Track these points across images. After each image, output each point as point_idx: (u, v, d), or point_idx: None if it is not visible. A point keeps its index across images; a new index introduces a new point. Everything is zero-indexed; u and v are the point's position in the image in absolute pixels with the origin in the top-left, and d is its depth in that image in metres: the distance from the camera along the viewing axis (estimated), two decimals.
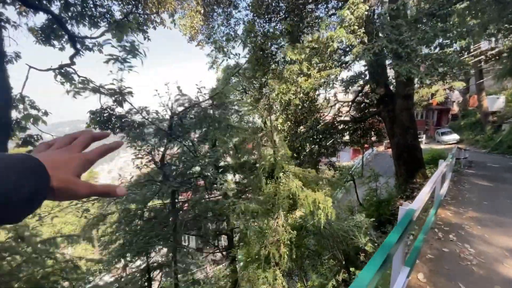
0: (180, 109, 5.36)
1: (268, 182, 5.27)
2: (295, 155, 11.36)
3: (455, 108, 31.61)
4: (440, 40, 8.10)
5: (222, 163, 6.18)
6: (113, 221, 5.10)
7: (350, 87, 11.78)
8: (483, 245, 3.92)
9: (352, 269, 7.96)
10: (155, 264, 6.14)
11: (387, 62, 11.47)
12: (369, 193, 13.70)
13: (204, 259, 6.28)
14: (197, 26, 11.19)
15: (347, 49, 7.97)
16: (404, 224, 2.00)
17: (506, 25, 9.46)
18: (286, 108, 8.81)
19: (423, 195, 2.58)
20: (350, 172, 14.96)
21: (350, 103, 12.69)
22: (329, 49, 6.69)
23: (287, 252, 5.98)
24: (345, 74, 12.96)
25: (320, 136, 13.70)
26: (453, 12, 9.97)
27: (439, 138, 27.68)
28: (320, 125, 12.83)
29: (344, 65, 8.63)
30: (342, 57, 8.29)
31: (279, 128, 9.53)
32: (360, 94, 12.74)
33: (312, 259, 8.91)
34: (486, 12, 10.55)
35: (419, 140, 30.01)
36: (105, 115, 6.20)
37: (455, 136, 26.65)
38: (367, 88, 12.43)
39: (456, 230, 4.40)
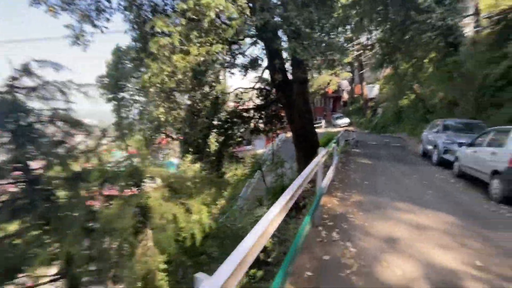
0: None
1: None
2: (190, 150, 9.93)
3: (345, 96, 36.44)
4: (326, 25, 8.02)
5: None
6: None
7: (247, 73, 11.05)
8: (364, 240, 3.51)
9: (252, 271, 7.27)
10: None
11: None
12: (276, 180, 13.71)
13: None
14: None
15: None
16: None
17: (375, 16, 10.39)
18: (169, 95, 7.20)
19: (248, 244, 1.13)
20: (258, 160, 14.66)
21: (252, 90, 12.06)
22: (206, 20, 5.44)
23: (166, 279, 4.61)
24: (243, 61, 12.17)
25: (225, 126, 12.69)
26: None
27: (334, 122, 31.32)
28: (222, 114, 11.76)
29: (234, 45, 7.59)
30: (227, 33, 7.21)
31: (162, 120, 7.86)
32: (261, 81, 12.26)
33: (213, 266, 7.89)
34: (362, 6, 11.49)
35: (320, 124, 33.11)
36: None
37: (346, 120, 30.64)
38: (267, 74, 12.00)
39: (340, 224, 3.95)
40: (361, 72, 28.76)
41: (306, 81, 11.11)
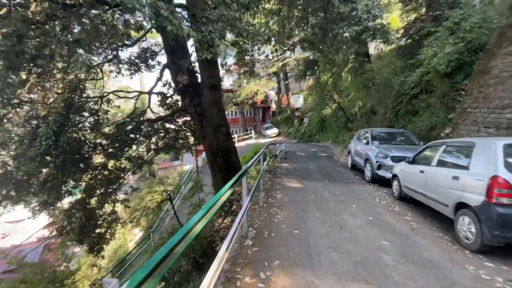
0: None
1: None
2: (22, 190, 5.87)
3: (274, 106, 36.02)
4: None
5: None
6: None
7: (137, 71, 7.76)
8: None
9: None
10: None
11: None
12: (192, 211, 10.54)
13: None
14: None
15: None
16: None
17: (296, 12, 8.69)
18: None
19: None
20: (166, 189, 11.18)
21: (148, 96, 8.70)
22: None
23: None
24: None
25: (117, 145, 8.93)
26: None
27: (264, 132, 30.05)
28: (103, 127, 8.04)
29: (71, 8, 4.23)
30: None
31: None
32: (163, 84, 9.07)
33: None
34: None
35: (250, 135, 31.24)
36: None
37: (275, 130, 29.70)
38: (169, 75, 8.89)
39: None
40: (287, 82, 28.40)
41: (219, 86, 8.49)
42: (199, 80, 8.70)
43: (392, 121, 12.47)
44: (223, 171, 8.73)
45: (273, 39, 14.73)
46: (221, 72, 10.10)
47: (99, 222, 7.70)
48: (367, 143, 8.74)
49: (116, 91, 8.34)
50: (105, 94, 7.50)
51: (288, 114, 30.42)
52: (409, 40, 14.41)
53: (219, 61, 10.31)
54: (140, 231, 22.09)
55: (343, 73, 16.47)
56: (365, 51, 13.10)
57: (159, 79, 8.70)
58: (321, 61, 13.36)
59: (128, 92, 8.67)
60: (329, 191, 6.91)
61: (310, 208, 5.46)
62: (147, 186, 24.62)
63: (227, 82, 36.58)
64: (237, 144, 28.87)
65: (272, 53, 26.43)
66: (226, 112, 31.67)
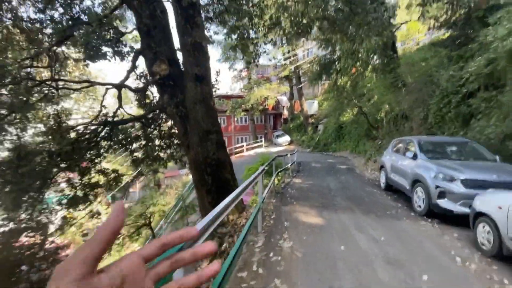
0: None
1: None
2: None
3: (286, 113, 33.58)
4: None
5: None
6: None
7: (99, 57, 5.67)
8: None
9: None
10: None
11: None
12: None
13: None
14: None
15: None
16: None
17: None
18: None
19: None
20: (144, 213, 8.87)
21: (118, 90, 6.56)
22: None
23: None
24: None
25: (75, 157, 6.87)
26: None
27: (275, 140, 27.60)
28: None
29: None
30: None
31: None
32: (137, 76, 6.94)
33: None
34: None
35: (260, 143, 28.78)
36: None
37: (287, 138, 27.16)
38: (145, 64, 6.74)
39: None
40: (300, 86, 25.98)
41: (207, 78, 6.24)
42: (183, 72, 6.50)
43: (433, 128, 9.70)
44: (213, 193, 6.35)
45: (283, 40, 12.45)
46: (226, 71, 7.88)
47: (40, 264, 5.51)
48: (414, 156, 6.08)
49: (55, 80, 6.15)
50: (36, 83, 5.38)
51: (301, 121, 27.84)
52: (449, 32, 11.69)
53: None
54: (139, 246, 20.01)
55: (366, 72, 13.84)
56: (392, 42, 10.52)
57: (132, 69, 6.56)
58: (343, 54, 10.87)
59: (79, 82, 6.52)
60: (367, 233, 4.33)
61: (344, 281, 2.92)
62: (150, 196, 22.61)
63: (236, 87, 34.73)
64: (245, 153, 26.48)
65: (283, 54, 24.26)
66: (235, 119, 29.46)
